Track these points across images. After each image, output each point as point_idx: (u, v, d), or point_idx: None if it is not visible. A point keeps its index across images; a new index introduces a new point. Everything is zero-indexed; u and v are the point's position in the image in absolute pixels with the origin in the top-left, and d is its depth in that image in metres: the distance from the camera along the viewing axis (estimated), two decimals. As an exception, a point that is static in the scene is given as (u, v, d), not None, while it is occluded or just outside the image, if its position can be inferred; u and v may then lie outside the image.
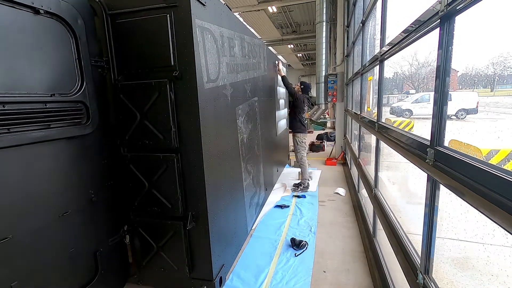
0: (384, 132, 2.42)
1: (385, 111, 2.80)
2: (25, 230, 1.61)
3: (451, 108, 1.26)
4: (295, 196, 4.78)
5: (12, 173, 1.54)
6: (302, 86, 5.21)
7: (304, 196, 4.73)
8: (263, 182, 4.18)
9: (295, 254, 3.01)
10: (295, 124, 5.08)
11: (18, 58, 1.56)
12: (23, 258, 1.61)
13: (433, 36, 1.42)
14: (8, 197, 1.52)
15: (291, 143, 8.09)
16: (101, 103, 2.11)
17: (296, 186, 5.13)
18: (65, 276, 1.89)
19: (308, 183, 5.14)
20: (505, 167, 0.93)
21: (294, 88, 5.10)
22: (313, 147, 8.67)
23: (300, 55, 23.15)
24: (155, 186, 2.24)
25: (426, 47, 1.88)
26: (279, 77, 5.20)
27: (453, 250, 2.42)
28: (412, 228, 2.15)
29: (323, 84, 7.47)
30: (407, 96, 6.43)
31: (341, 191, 4.92)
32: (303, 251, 3.06)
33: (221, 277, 2.44)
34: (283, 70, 5.20)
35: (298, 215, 4.01)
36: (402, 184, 3.88)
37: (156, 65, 2.08)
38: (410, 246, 1.74)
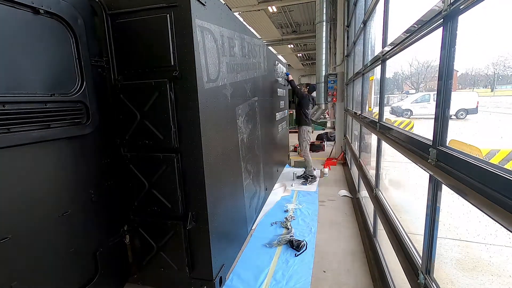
0: (386, 132, 2.42)
1: (385, 111, 2.79)
2: (25, 230, 1.60)
3: (451, 108, 1.26)
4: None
5: (12, 173, 1.53)
6: (308, 87, 5.98)
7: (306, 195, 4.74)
8: (263, 182, 4.18)
9: (295, 254, 3.00)
10: (300, 118, 5.55)
11: (18, 58, 1.55)
12: (23, 258, 1.60)
13: (434, 36, 1.42)
14: (8, 197, 1.51)
15: (291, 143, 8.12)
16: (101, 103, 2.10)
17: (305, 179, 5.50)
18: (65, 276, 1.88)
19: (314, 173, 5.53)
20: (506, 167, 0.92)
21: (301, 89, 5.79)
22: (313, 147, 8.66)
23: (300, 55, 23.15)
24: (155, 186, 2.24)
25: (427, 47, 1.87)
26: (287, 81, 6.11)
27: (455, 250, 2.41)
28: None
29: (323, 84, 7.46)
30: (407, 96, 6.44)
31: (344, 192, 4.91)
32: (303, 251, 3.05)
33: (221, 277, 2.43)
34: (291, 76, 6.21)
35: (298, 215, 4.00)
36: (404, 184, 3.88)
37: (156, 65, 2.07)
38: (411, 246, 1.73)
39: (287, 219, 3.78)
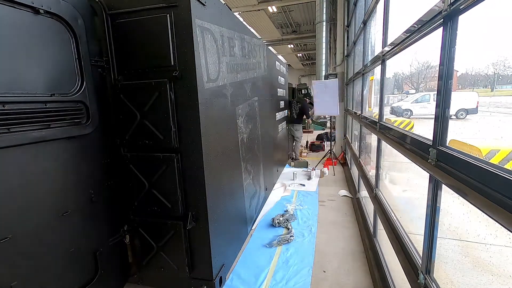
0: (386, 132, 2.42)
1: (385, 111, 2.80)
2: (25, 230, 1.60)
3: (451, 108, 1.26)
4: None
5: (12, 173, 1.53)
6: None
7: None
8: (263, 182, 4.18)
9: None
10: (299, 120, 6.98)
11: (18, 58, 1.55)
12: (23, 258, 1.60)
13: (434, 37, 1.42)
14: (8, 197, 1.51)
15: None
16: (101, 103, 2.10)
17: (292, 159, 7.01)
18: (65, 276, 1.88)
19: (294, 155, 7.09)
20: (506, 167, 0.92)
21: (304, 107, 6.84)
22: (313, 147, 8.66)
23: (300, 55, 23.16)
24: (155, 186, 2.24)
25: (427, 47, 1.88)
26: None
27: (455, 250, 2.41)
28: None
29: (323, 84, 7.45)
30: (407, 96, 6.44)
31: (345, 192, 4.91)
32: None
33: (221, 277, 2.43)
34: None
35: (298, 215, 4.00)
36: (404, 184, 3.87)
37: (156, 65, 2.07)
38: (411, 246, 1.74)
39: (287, 219, 3.78)
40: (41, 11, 1.64)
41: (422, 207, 1.55)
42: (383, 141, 2.63)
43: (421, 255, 1.53)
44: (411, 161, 1.71)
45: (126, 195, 2.33)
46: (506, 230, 0.86)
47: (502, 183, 0.86)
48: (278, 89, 5.55)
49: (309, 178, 5.70)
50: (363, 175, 3.65)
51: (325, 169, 6.10)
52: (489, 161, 0.98)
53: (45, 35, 1.69)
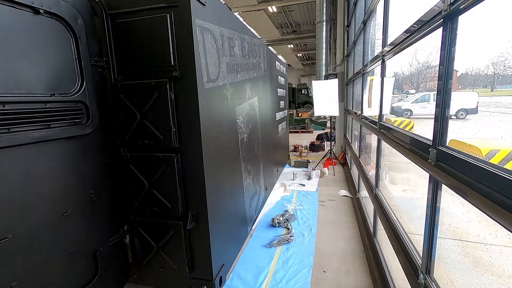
0: (386, 132, 2.42)
1: (385, 111, 2.80)
2: (25, 230, 1.60)
3: (451, 108, 1.26)
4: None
5: (12, 173, 1.53)
6: None
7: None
8: (263, 182, 4.18)
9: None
10: None
11: (18, 58, 1.55)
12: (23, 258, 1.60)
13: (434, 37, 1.42)
14: (8, 197, 1.51)
15: (291, 143, 8.11)
16: (101, 103, 2.10)
17: None
18: (65, 276, 1.88)
19: None
20: (506, 167, 0.92)
21: None
22: (313, 147, 8.66)
23: (300, 55, 23.17)
24: (155, 186, 2.24)
25: (427, 47, 1.88)
26: None
27: (455, 250, 2.41)
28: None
29: (323, 84, 7.45)
30: (407, 96, 6.44)
31: (345, 192, 4.91)
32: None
33: (221, 277, 2.43)
34: None
35: (298, 215, 4.00)
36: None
37: (156, 65, 2.07)
38: (411, 246, 1.74)
39: (287, 219, 3.78)
40: (41, 11, 1.64)
41: (422, 207, 1.55)
42: (383, 141, 2.63)
43: (421, 255, 1.53)
44: (411, 161, 1.71)
45: (126, 195, 2.33)
46: (506, 230, 0.86)
47: (502, 183, 0.86)
48: (278, 89, 5.55)
49: (309, 178, 5.70)
50: (363, 175, 3.65)
51: (325, 169, 6.11)
52: (489, 161, 0.98)
53: (45, 35, 1.69)
